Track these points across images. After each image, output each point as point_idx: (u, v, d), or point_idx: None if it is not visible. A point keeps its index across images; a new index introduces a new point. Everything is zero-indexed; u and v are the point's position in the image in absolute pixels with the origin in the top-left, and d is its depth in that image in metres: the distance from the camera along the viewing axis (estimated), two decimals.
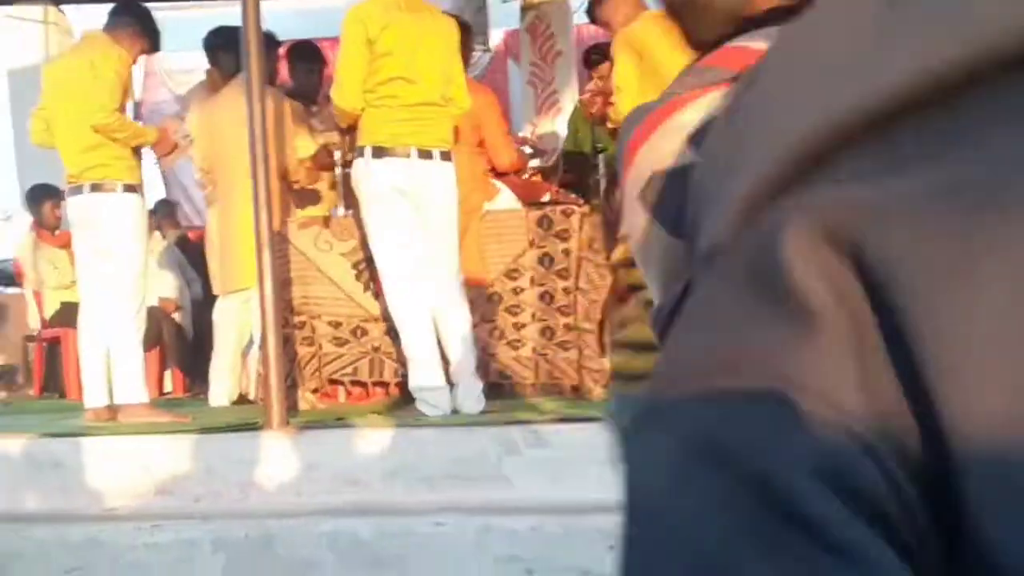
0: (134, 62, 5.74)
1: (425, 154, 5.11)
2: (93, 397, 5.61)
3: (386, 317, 5.77)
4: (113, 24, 5.71)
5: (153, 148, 5.86)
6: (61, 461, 4.55)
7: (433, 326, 5.21)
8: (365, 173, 5.15)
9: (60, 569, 3.96)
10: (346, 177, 6.05)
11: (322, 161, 6.22)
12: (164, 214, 8.83)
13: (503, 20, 10.04)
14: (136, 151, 5.68)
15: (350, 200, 5.85)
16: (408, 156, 5.10)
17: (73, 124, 5.51)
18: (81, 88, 5.46)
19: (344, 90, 5.15)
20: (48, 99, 5.67)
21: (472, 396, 5.18)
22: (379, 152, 5.12)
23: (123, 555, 3.95)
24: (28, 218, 8.89)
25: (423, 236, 5.19)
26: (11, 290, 10.33)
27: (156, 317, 7.62)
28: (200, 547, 3.95)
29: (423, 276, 5.19)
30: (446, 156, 5.18)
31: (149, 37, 5.80)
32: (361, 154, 5.16)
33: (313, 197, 6.47)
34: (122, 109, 5.55)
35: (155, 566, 3.93)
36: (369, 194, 5.17)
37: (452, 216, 5.24)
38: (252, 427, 4.63)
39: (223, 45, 6.55)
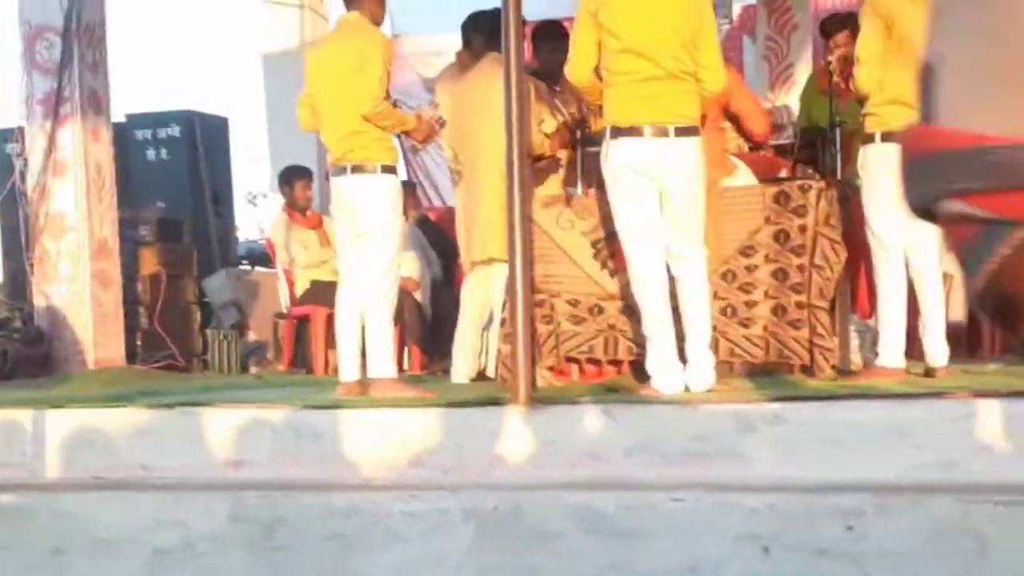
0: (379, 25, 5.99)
1: (661, 131, 5.16)
2: (347, 371, 5.90)
3: (623, 295, 5.90)
4: (360, 1, 5.93)
5: (412, 135, 6.11)
6: (320, 432, 4.82)
7: (671, 304, 5.29)
8: (605, 153, 5.27)
9: (322, 535, 4.21)
10: (586, 156, 6.20)
11: (563, 138, 6.36)
12: (406, 195, 9.10)
13: None
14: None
15: (591, 178, 5.99)
16: (643, 135, 5.16)
17: (340, 110, 5.79)
18: (348, 75, 5.72)
19: (572, 65, 5.30)
20: (313, 85, 5.95)
21: (703, 373, 5.25)
22: (615, 132, 5.22)
23: (380, 523, 4.17)
24: (279, 199, 9.34)
25: (666, 213, 5.25)
26: (262, 269, 10.89)
27: (398, 295, 7.90)
28: (451, 517, 4.14)
29: (662, 253, 5.27)
30: (684, 131, 5.18)
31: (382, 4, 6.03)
32: (603, 134, 5.28)
33: (554, 168, 6.59)
34: (387, 95, 5.81)
35: (410, 534, 4.14)
36: (609, 173, 5.28)
37: (692, 192, 5.27)
38: (498, 402, 4.81)
39: (476, 27, 6.76)
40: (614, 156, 5.24)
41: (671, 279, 5.32)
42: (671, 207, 5.25)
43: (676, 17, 5.16)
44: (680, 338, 5.29)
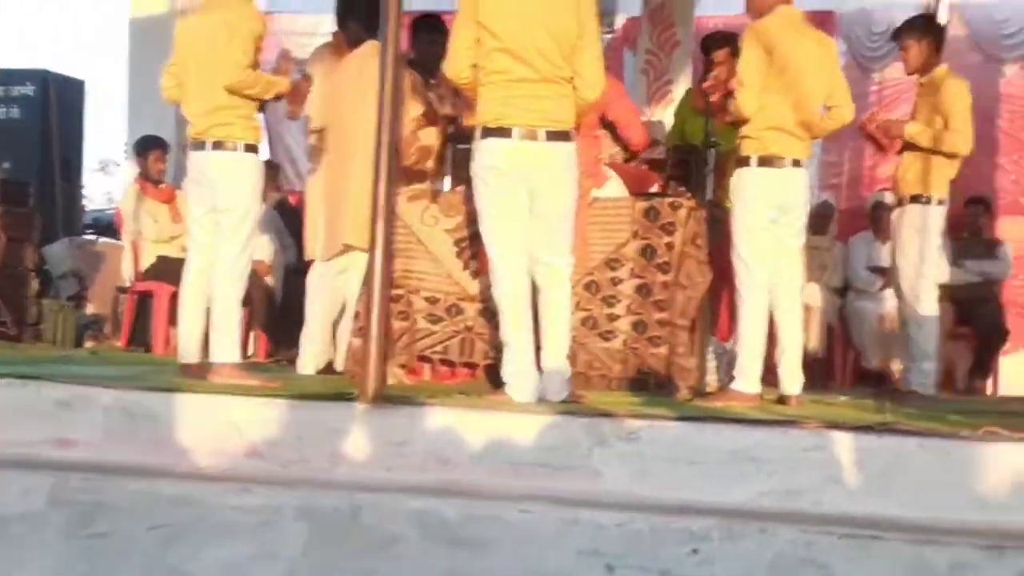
0: None
1: (531, 134, 5.03)
2: (188, 352, 5.65)
3: (483, 298, 5.77)
4: None
5: (286, 98, 5.87)
6: (154, 415, 4.57)
7: (532, 311, 5.17)
8: (476, 151, 5.12)
9: (146, 524, 3.98)
10: (456, 153, 6.05)
11: (429, 118, 6.20)
12: (267, 176, 8.86)
13: (623, 6, 9.98)
14: (259, 110, 5.70)
15: (461, 176, 5.83)
16: (511, 136, 5.03)
17: (204, 82, 5.54)
18: (217, 47, 5.49)
19: (450, 61, 5.16)
20: (180, 56, 5.70)
21: (558, 383, 5.13)
22: (485, 132, 5.08)
23: (211, 515, 3.95)
24: (132, 169, 9.01)
25: (532, 218, 5.11)
26: (108, 240, 10.51)
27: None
28: (285, 513, 3.94)
29: (528, 258, 5.14)
30: (555, 136, 5.06)
31: None
32: (474, 132, 5.13)
33: (420, 176, 6.46)
34: (255, 66, 5.57)
35: (240, 528, 3.93)
36: (476, 173, 5.14)
37: (561, 199, 5.14)
38: (344, 397, 4.62)
39: (353, 11, 6.57)
40: (482, 156, 5.10)
41: (533, 286, 5.19)
42: (538, 212, 5.11)
43: (556, 22, 5.04)
44: (538, 346, 5.16)
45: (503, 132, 5.03)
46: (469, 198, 5.51)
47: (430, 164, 6.49)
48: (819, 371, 8.35)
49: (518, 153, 5.03)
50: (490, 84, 5.07)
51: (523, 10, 5.02)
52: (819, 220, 8.48)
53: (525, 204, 5.10)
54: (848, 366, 8.69)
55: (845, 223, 9.02)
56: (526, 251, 5.14)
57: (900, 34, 6.79)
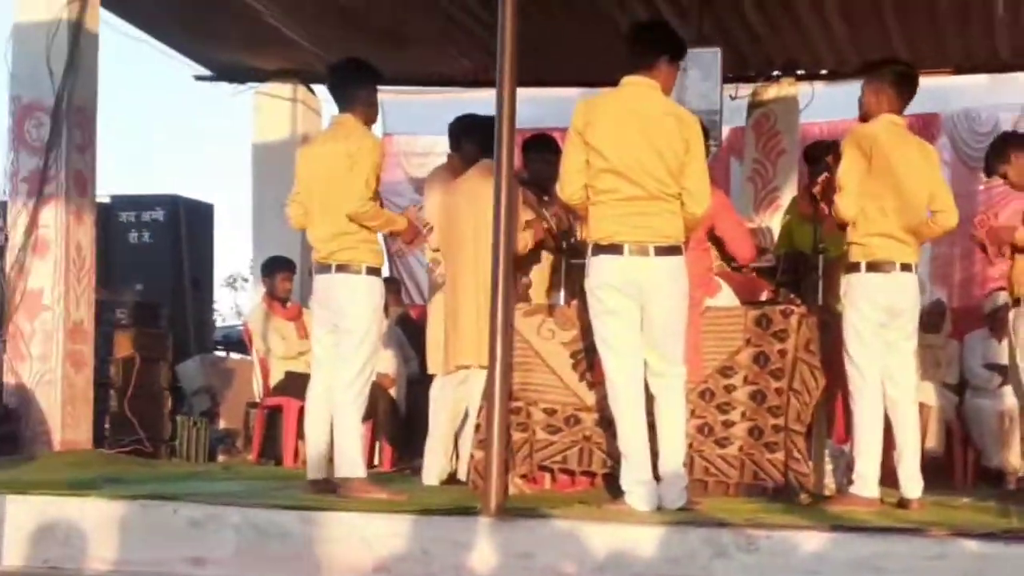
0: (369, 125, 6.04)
1: (642, 250, 5.18)
2: (315, 468, 5.85)
3: (599, 407, 5.89)
4: (353, 101, 6.00)
5: (400, 235, 6.13)
6: (285, 532, 4.75)
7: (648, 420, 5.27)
8: (589, 268, 5.28)
9: None
10: (570, 267, 6.23)
11: (538, 232, 6.39)
12: (388, 291, 9.11)
13: (727, 119, 10.14)
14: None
15: (574, 289, 5.99)
16: (623, 253, 5.17)
17: (328, 210, 5.81)
18: (338, 176, 5.75)
19: (562, 183, 5.34)
20: (304, 185, 5.98)
21: (676, 491, 5.21)
22: (597, 249, 5.24)
23: None
24: (259, 285, 9.31)
25: (645, 330, 5.24)
26: (238, 356, 10.83)
27: (372, 392, 7.84)
28: None
29: (640, 369, 5.26)
30: (665, 250, 5.19)
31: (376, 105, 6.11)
32: (588, 249, 5.30)
33: (538, 272, 6.60)
34: (375, 196, 5.83)
35: None
36: (590, 289, 5.29)
37: (673, 310, 5.26)
38: (468, 510, 4.75)
39: (467, 132, 6.81)
40: (595, 273, 5.25)
41: (648, 395, 5.30)
42: (651, 325, 5.24)
43: (662, 142, 5.19)
44: (655, 454, 5.26)
45: (615, 249, 5.18)
46: (584, 311, 5.68)
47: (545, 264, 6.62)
48: (938, 470, 8.26)
49: (630, 268, 5.17)
50: (600, 203, 5.24)
51: (631, 132, 5.18)
52: (932, 318, 8.46)
53: (637, 317, 5.23)
54: (968, 464, 8.57)
55: (959, 320, 8.96)
56: (640, 362, 5.27)
57: (991, 165, 6.75)
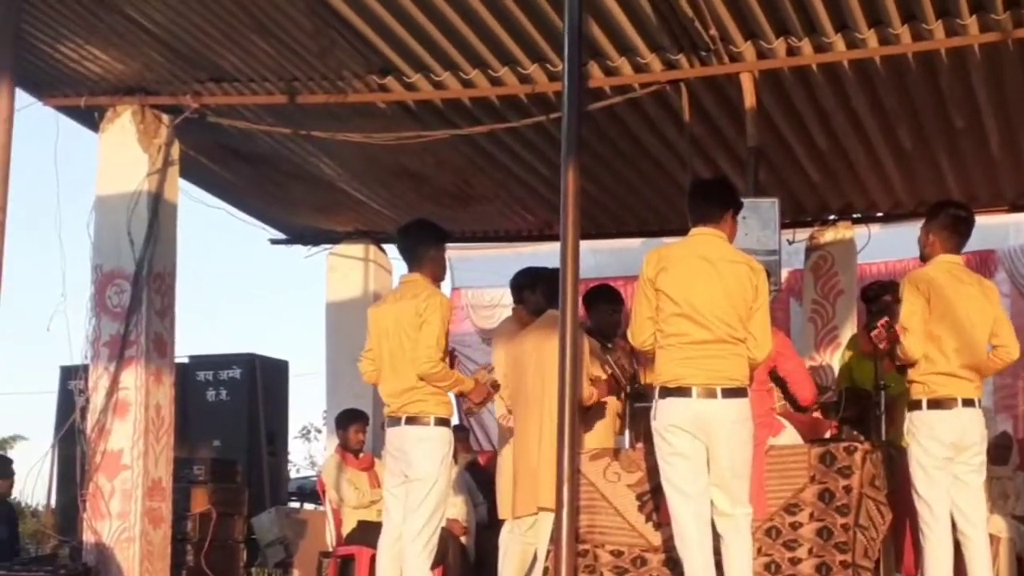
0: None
1: (709, 392, 5.29)
2: None
3: (666, 548, 5.93)
4: (421, 261, 6.23)
5: (468, 396, 6.32)
6: None
7: (714, 559, 5.33)
8: (655, 411, 5.40)
9: None
10: (635, 410, 6.36)
11: (608, 387, 6.53)
12: (458, 439, 9.22)
13: (786, 261, 10.30)
14: None
15: (639, 432, 6.10)
16: (691, 396, 5.29)
17: (398, 367, 6.05)
18: (408, 334, 5.98)
19: (634, 330, 5.49)
20: (375, 341, 6.20)
21: None
22: (665, 391, 5.36)
23: None
24: (332, 436, 9.46)
25: (712, 471, 5.33)
26: (311, 507, 10.94)
27: (443, 537, 7.91)
28: None
29: (707, 510, 5.33)
30: (732, 392, 5.30)
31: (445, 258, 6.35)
32: (652, 391, 5.44)
33: (600, 414, 6.72)
34: (445, 353, 6.01)
35: None
36: (657, 431, 5.40)
37: (739, 452, 5.34)
38: None
39: (528, 284, 7.02)
40: (663, 415, 5.36)
41: (715, 535, 5.37)
42: (718, 466, 5.33)
43: (733, 289, 5.34)
44: None
45: (683, 392, 5.30)
46: (649, 453, 5.79)
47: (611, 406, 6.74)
48: None
49: (697, 410, 5.28)
50: (669, 347, 5.37)
51: (702, 278, 5.34)
52: (999, 451, 8.40)
53: (704, 458, 5.33)
54: None
55: None
56: (707, 503, 5.35)
57: None
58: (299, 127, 8.63)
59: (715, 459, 5.32)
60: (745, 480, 5.40)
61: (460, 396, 6.33)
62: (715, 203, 5.57)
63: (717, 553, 5.37)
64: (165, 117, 8.55)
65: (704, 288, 5.32)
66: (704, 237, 5.49)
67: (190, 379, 10.83)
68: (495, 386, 6.34)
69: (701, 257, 5.39)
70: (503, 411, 6.83)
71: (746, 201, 7.32)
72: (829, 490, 5.88)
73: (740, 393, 5.35)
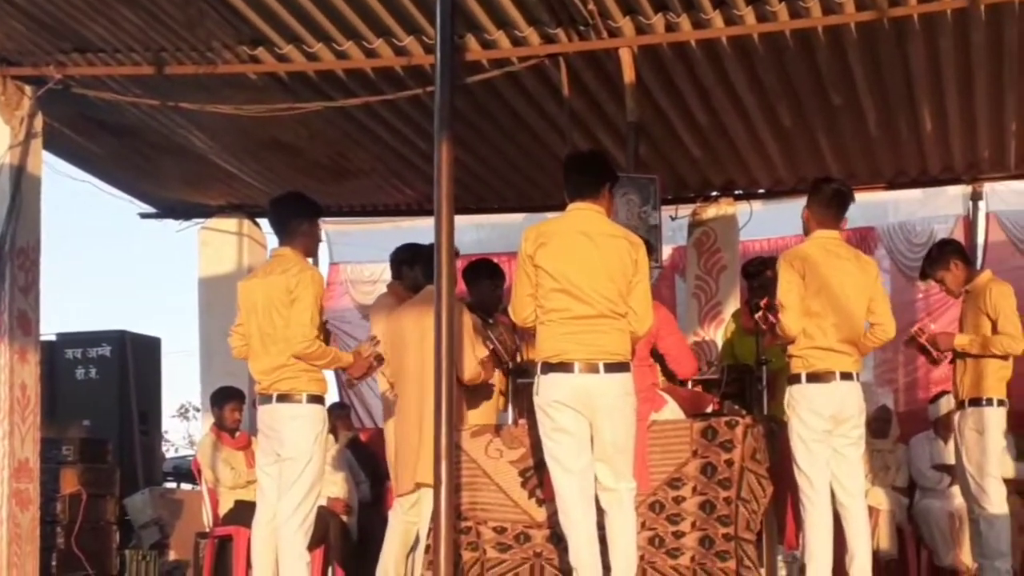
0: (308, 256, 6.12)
1: (591, 367, 5.26)
2: None
3: (550, 524, 5.91)
4: (292, 234, 6.10)
5: (349, 371, 6.20)
6: None
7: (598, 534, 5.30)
8: (536, 387, 5.35)
9: None
10: (518, 387, 6.30)
11: (492, 366, 6.47)
12: (338, 416, 9.13)
13: (669, 237, 10.36)
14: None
15: (522, 408, 6.04)
16: (573, 371, 5.26)
17: (268, 343, 5.90)
18: (277, 310, 5.84)
19: (515, 307, 5.44)
20: (244, 317, 6.05)
21: None
22: (547, 367, 5.31)
23: None
24: (206, 414, 9.29)
25: (596, 446, 5.30)
26: (187, 487, 10.75)
27: (324, 516, 7.81)
28: None
29: (591, 485, 5.31)
30: (614, 367, 5.28)
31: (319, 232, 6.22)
32: (534, 367, 5.38)
33: (484, 392, 6.67)
34: (320, 330, 5.88)
35: None
36: (539, 407, 5.36)
37: (623, 426, 5.33)
38: None
39: (407, 260, 6.92)
40: (545, 390, 5.32)
41: (599, 509, 5.34)
42: (601, 440, 5.31)
43: (613, 264, 5.32)
44: (607, 568, 5.27)
45: (565, 367, 5.26)
46: (531, 429, 5.75)
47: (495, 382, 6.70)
48: (893, 572, 8.29)
49: (580, 385, 5.25)
50: (550, 322, 5.33)
51: (581, 253, 5.31)
52: (879, 424, 8.57)
53: (587, 434, 5.31)
54: (921, 565, 8.62)
55: (904, 424, 9.08)
56: (590, 478, 5.32)
57: (929, 272, 6.96)
58: (167, 99, 8.40)
59: (598, 434, 5.30)
60: (628, 454, 5.39)
61: (340, 371, 6.21)
62: (592, 177, 5.52)
63: (601, 528, 5.36)
64: (28, 88, 8.27)
65: (583, 263, 5.28)
66: (583, 212, 5.44)
67: (58, 357, 10.59)
68: (379, 359, 6.23)
69: (580, 232, 5.34)
70: (385, 386, 6.73)
71: (626, 177, 7.34)
72: (711, 464, 5.90)
73: (623, 368, 5.33)
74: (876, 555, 7.42)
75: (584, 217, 5.43)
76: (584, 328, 5.26)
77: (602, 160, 5.77)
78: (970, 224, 10.55)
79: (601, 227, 5.41)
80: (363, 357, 6.14)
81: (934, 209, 10.48)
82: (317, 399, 5.95)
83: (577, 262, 5.29)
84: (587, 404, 5.26)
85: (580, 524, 5.28)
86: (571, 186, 5.52)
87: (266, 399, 5.93)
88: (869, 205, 10.48)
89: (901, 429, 8.98)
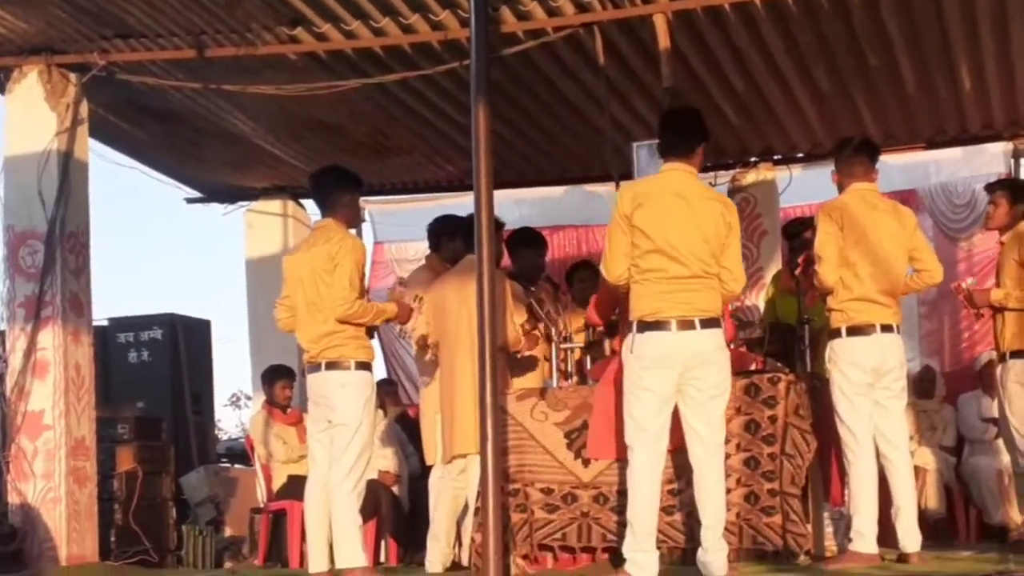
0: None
1: (687, 324, 5.30)
2: (317, 562, 5.93)
3: (595, 484, 5.99)
4: (333, 206, 6.20)
5: (395, 320, 6.31)
6: None
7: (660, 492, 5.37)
8: (630, 345, 5.39)
9: None
10: (563, 352, 6.40)
11: (535, 338, 6.56)
12: (387, 392, 9.25)
13: None
14: (369, 331, 6.11)
15: (566, 373, 6.25)
16: (670, 329, 5.30)
17: (314, 312, 6.02)
18: (321, 278, 5.96)
19: (608, 263, 5.47)
20: (290, 289, 6.17)
21: (720, 558, 5.32)
22: (643, 326, 5.35)
23: None
24: (258, 398, 9.41)
25: (692, 401, 5.37)
26: (241, 466, 10.90)
27: (375, 489, 7.92)
28: None
29: (665, 446, 5.38)
30: (708, 323, 5.34)
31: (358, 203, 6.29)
32: (630, 327, 5.43)
33: (529, 364, 6.76)
34: (362, 294, 6.00)
35: None
36: (631, 365, 5.39)
37: (719, 378, 5.39)
38: None
39: (447, 231, 7.01)
40: (639, 348, 5.35)
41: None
42: (697, 391, 5.35)
43: (707, 226, 5.37)
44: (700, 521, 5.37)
45: (661, 325, 5.31)
46: (575, 392, 5.87)
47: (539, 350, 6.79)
48: (942, 531, 8.30)
49: (676, 342, 5.30)
50: (645, 281, 5.37)
51: (677, 215, 5.35)
52: (923, 385, 8.59)
53: (671, 394, 5.35)
54: (971, 524, 8.62)
55: (951, 385, 9.08)
56: (664, 440, 5.37)
57: (994, 188, 6.99)
58: (209, 81, 8.50)
59: (696, 385, 5.34)
60: (722, 401, 5.43)
61: (387, 322, 6.32)
62: (693, 137, 5.56)
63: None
64: (73, 76, 8.40)
65: (680, 225, 5.33)
66: (677, 173, 5.48)
67: (111, 341, 10.74)
68: (418, 301, 6.34)
69: (675, 194, 5.39)
70: (419, 335, 6.78)
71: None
72: (755, 420, 5.94)
73: (715, 323, 5.40)
74: (924, 514, 7.45)
75: (678, 178, 5.47)
76: (679, 287, 5.32)
77: (697, 119, 5.75)
78: None
79: (696, 189, 5.47)
80: (403, 304, 6.24)
81: (975, 168, 10.40)
82: (365, 366, 6.05)
83: (674, 224, 5.33)
84: (683, 360, 5.30)
85: (644, 482, 5.32)
86: (669, 145, 5.56)
87: (315, 367, 6.03)
88: (910, 167, 10.45)
89: (948, 389, 8.98)
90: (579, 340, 6.85)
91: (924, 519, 6.71)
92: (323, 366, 6.01)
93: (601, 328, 6.44)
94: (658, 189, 5.45)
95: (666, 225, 5.33)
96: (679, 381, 5.33)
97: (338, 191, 6.25)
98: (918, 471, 7.74)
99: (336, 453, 5.96)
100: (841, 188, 6.01)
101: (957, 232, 10.39)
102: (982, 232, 9.38)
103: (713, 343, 5.36)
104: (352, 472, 5.92)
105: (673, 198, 5.37)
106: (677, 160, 5.50)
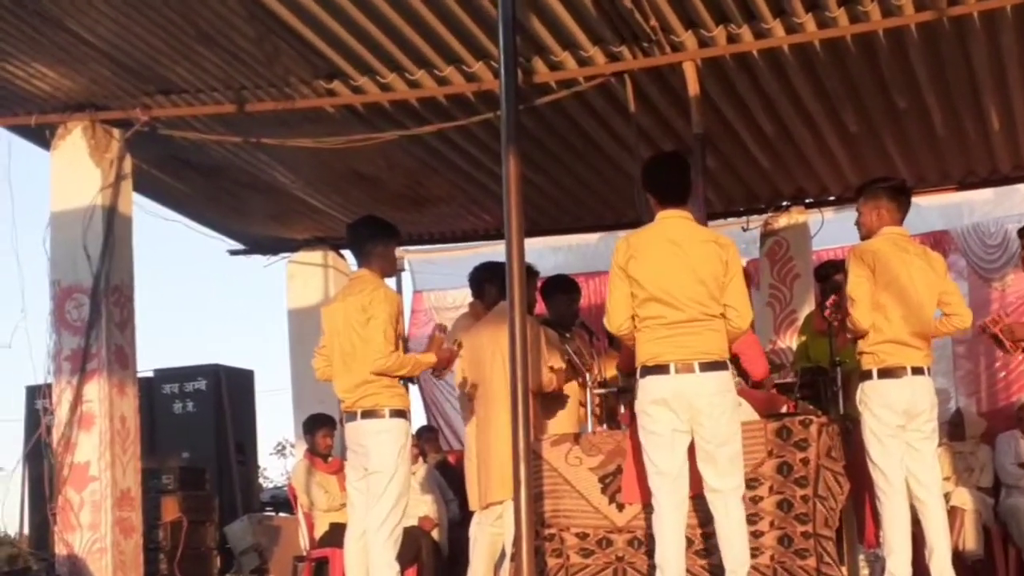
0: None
1: (687, 367, 5.38)
2: None
3: (630, 528, 6.04)
4: (368, 256, 6.34)
5: (435, 369, 6.41)
6: None
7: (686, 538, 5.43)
8: (638, 390, 5.51)
9: None
10: (597, 398, 6.47)
11: (567, 376, 6.63)
12: (427, 439, 9.35)
13: (742, 250, 10.40)
14: (404, 379, 6.22)
15: (602, 418, 6.29)
16: (669, 372, 5.39)
17: (349, 362, 6.13)
18: (355, 329, 6.07)
19: (609, 315, 5.58)
20: (327, 339, 6.29)
21: None
22: (644, 371, 5.46)
23: None
24: (302, 447, 9.52)
25: (698, 447, 5.44)
26: (285, 515, 10.99)
27: (415, 535, 8.00)
28: None
29: (685, 489, 5.44)
30: (709, 366, 5.41)
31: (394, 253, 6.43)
32: (636, 374, 5.53)
33: (562, 404, 6.83)
34: (397, 345, 6.10)
35: None
36: (640, 409, 5.50)
37: (723, 422, 5.45)
38: None
39: (488, 278, 7.13)
40: (643, 392, 5.47)
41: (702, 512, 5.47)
42: (701, 439, 5.43)
43: (703, 270, 5.44)
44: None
45: (661, 369, 5.41)
46: (609, 436, 5.96)
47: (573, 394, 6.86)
48: (980, 573, 8.27)
49: (676, 386, 5.39)
50: (646, 328, 5.48)
51: (673, 261, 5.44)
52: (952, 428, 8.63)
53: (684, 437, 5.44)
54: (1009, 564, 8.57)
55: (990, 423, 9.07)
56: (684, 483, 5.45)
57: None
58: (249, 135, 8.69)
59: (699, 432, 5.42)
60: (732, 453, 5.49)
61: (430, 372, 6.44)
62: (685, 182, 5.67)
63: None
64: (116, 131, 8.60)
65: (674, 271, 5.41)
66: (671, 220, 5.57)
67: (156, 393, 10.89)
68: (457, 345, 6.42)
69: (670, 241, 5.48)
70: (461, 378, 6.89)
71: None
72: (787, 463, 5.97)
73: (718, 366, 5.46)
74: (962, 555, 7.43)
75: (673, 225, 5.56)
76: (677, 332, 5.40)
77: (685, 164, 5.84)
78: None
79: (690, 233, 5.55)
80: (442, 351, 6.32)
81: (1008, 208, 10.45)
82: (400, 413, 6.14)
83: (667, 270, 5.42)
84: (685, 405, 5.38)
85: (669, 526, 5.40)
86: (660, 193, 5.64)
87: (351, 416, 6.14)
88: (943, 208, 10.51)
89: (986, 429, 8.97)
90: (613, 385, 6.93)
91: (962, 560, 6.71)
92: (359, 415, 6.11)
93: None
94: (653, 237, 5.54)
95: (659, 273, 5.42)
96: (689, 426, 5.40)
97: (372, 241, 6.37)
98: (956, 512, 7.74)
99: (372, 500, 6.05)
100: (869, 230, 6.05)
101: (990, 272, 10.42)
102: (1015, 272, 9.40)
103: (716, 386, 5.42)
104: (388, 519, 6.01)
105: (667, 245, 5.46)
106: (672, 207, 5.59)
